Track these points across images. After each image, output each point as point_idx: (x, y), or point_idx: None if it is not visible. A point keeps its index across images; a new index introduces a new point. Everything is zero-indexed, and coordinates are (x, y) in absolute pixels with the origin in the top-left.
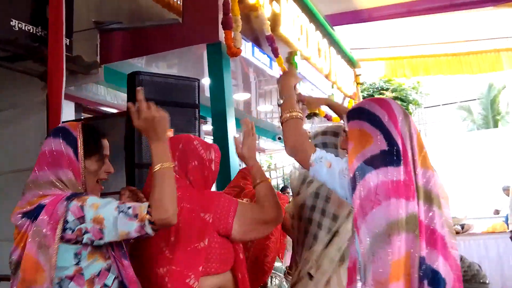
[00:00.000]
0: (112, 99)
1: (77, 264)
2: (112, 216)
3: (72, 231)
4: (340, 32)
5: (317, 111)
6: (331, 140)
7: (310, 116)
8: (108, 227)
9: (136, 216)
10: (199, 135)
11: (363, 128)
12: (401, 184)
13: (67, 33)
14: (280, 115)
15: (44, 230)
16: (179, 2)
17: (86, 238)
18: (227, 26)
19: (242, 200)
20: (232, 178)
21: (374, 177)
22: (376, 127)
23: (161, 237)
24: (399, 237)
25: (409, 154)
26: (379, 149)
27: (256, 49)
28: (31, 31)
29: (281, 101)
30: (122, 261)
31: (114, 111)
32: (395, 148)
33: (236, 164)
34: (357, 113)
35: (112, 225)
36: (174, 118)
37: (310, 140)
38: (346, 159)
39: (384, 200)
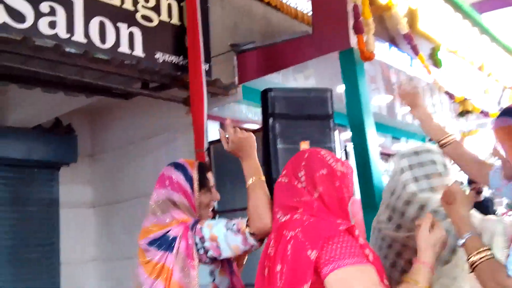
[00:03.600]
0: (252, 116)
1: (213, 281)
2: (223, 233)
3: (200, 251)
4: (490, 18)
5: (470, 108)
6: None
7: (463, 113)
8: (222, 243)
9: (239, 230)
10: (334, 145)
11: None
12: None
13: (206, 58)
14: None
15: (184, 257)
16: (309, 14)
17: (209, 255)
18: (358, 30)
19: None
20: (375, 189)
21: None
22: None
23: (272, 273)
24: None
25: None
26: None
27: (393, 49)
28: (173, 61)
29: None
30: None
31: (255, 126)
32: None
33: (379, 174)
34: (503, 113)
35: (224, 241)
36: (309, 130)
37: None
38: None
39: None
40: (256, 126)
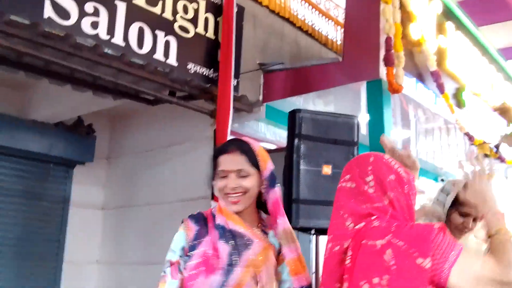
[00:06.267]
0: (271, 135)
1: None
2: None
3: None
4: None
5: (488, 152)
6: None
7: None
8: None
9: None
10: None
11: None
12: None
13: (235, 74)
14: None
15: None
16: (338, 42)
17: None
18: (388, 62)
19: None
20: None
21: None
22: None
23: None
24: None
25: None
26: None
27: (420, 85)
28: (204, 73)
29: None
30: None
31: (273, 147)
32: None
33: None
34: None
35: None
36: (333, 154)
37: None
38: None
39: None
40: (273, 146)
